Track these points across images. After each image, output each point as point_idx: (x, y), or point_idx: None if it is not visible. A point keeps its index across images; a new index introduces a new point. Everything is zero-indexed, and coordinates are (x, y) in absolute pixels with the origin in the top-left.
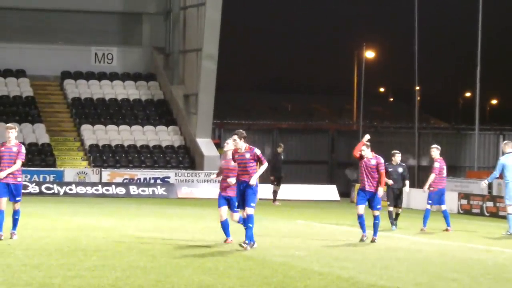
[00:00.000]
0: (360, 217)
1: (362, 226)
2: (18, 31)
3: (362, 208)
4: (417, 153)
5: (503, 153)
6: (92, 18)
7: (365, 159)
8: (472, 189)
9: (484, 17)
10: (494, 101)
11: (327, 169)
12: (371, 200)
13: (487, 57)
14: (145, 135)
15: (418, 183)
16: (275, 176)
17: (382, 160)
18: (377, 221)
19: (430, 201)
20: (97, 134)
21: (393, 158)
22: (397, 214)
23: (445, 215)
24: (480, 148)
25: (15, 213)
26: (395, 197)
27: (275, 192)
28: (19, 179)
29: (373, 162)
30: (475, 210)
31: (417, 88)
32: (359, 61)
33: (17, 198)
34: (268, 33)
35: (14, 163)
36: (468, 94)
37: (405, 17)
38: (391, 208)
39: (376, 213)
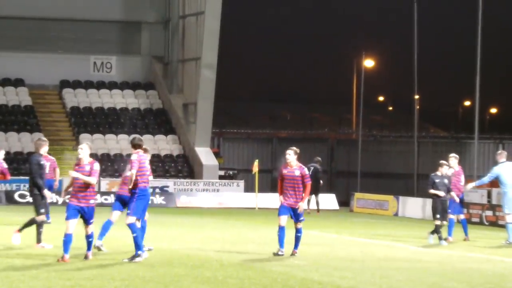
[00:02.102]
0: (281, 229)
1: (280, 239)
2: (17, 40)
3: (284, 219)
4: (417, 162)
5: (497, 163)
6: (91, 27)
7: (288, 168)
8: (471, 198)
9: (483, 26)
10: (493, 110)
11: (327, 178)
12: (294, 211)
13: (487, 66)
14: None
15: (417, 192)
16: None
17: (306, 171)
18: (299, 234)
19: (449, 210)
20: (95, 143)
21: (440, 169)
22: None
23: (451, 224)
24: (479, 157)
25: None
26: (443, 210)
27: (317, 202)
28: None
29: (297, 173)
30: (474, 219)
31: (417, 97)
32: (359, 70)
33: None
34: (267, 42)
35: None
36: (467, 103)
37: (404, 26)
38: (438, 222)
39: (299, 225)
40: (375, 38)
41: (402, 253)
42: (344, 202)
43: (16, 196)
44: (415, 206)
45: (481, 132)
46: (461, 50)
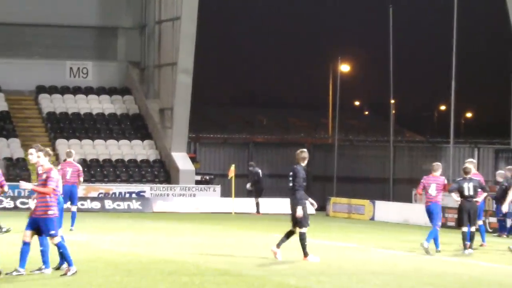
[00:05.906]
0: (25, 245)
1: (23, 255)
2: None
3: (28, 235)
4: (393, 167)
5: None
6: (67, 32)
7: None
8: (447, 202)
9: (458, 31)
10: (468, 114)
11: None
12: (41, 223)
13: (462, 70)
14: (120, 150)
15: (393, 196)
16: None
17: (52, 175)
18: (61, 250)
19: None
20: (72, 148)
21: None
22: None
23: (481, 230)
24: (455, 161)
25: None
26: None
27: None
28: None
29: (44, 176)
30: (450, 223)
31: (392, 101)
32: (334, 74)
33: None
34: (243, 46)
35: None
36: (443, 108)
37: (380, 31)
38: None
39: (56, 240)
40: (351, 43)
41: (379, 257)
42: (321, 206)
43: None
44: (391, 211)
45: (456, 137)
46: (437, 55)
